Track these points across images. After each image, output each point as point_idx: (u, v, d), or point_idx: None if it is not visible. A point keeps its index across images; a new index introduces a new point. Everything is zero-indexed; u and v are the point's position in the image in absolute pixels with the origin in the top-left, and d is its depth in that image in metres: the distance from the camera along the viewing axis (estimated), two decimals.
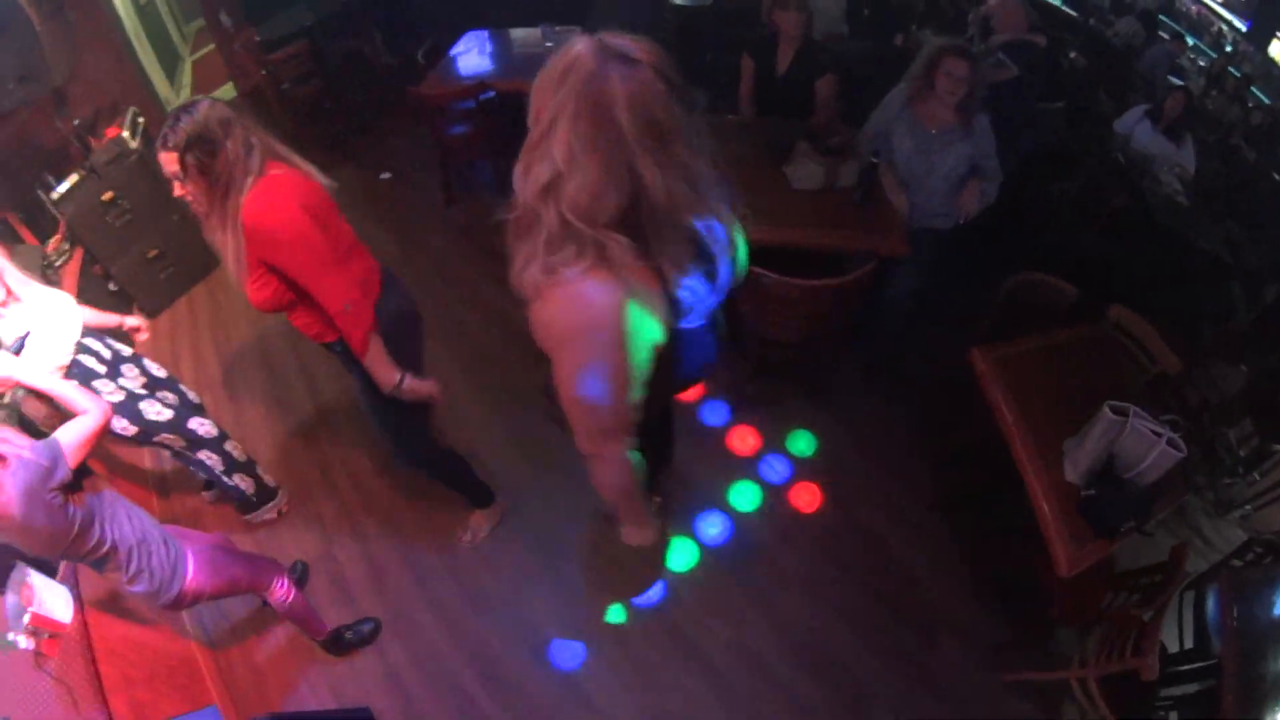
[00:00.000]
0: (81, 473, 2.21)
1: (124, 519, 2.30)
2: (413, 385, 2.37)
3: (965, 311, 3.40)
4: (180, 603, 2.45)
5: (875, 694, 2.82)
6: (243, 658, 3.24)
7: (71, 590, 2.85)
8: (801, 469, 3.46)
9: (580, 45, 1.21)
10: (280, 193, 2.00)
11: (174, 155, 1.97)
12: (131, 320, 3.04)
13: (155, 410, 2.97)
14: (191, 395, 3.20)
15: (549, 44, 4.68)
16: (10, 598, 2.77)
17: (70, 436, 2.10)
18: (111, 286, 4.42)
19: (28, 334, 2.46)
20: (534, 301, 1.34)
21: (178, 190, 2.07)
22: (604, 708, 2.88)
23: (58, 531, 2.04)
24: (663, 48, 1.24)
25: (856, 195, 3.27)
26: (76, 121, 4.05)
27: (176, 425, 3.05)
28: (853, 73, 4.11)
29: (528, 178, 1.27)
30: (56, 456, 2.03)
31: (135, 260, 4.48)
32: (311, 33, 5.81)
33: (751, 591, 3.11)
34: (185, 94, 6.33)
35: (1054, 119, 4.17)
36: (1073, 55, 4.74)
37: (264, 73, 5.43)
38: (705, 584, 3.15)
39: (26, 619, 2.73)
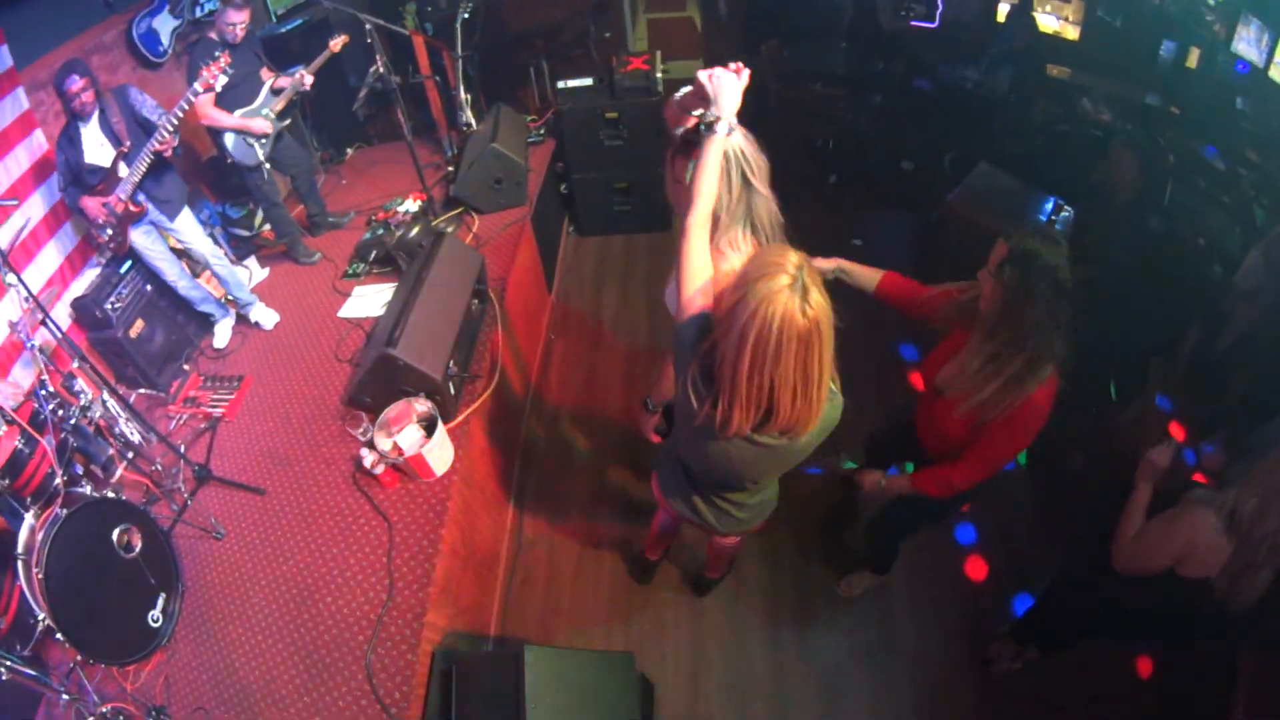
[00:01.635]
0: None
1: None
2: None
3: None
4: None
5: None
6: (547, 591, 3.32)
7: (458, 450, 2.83)
8: None
9: None
10: (1050, 404, 2.09)
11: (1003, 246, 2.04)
12: None
13: None
14: None
15: (1059, 227, 4.50)
16: (386, 415, 2.78)
17: None
18: (563, 188, 4.53)
19: None
20: None
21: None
22: None
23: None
24: None
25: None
26: (608, 34, 4.20)
27: None
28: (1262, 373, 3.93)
29: None
30: None
31: (598, 180, 4.59)
32: (849, 83, 5.71)
33: None
34: (641, 44, 6.65)
35: None
36: None
37: (782, 88, 5.45)
38: None
39: (391, 444, 2.73)
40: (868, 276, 2.45)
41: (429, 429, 2.76)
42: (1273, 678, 2.75)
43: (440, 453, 2.73)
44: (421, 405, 2.79)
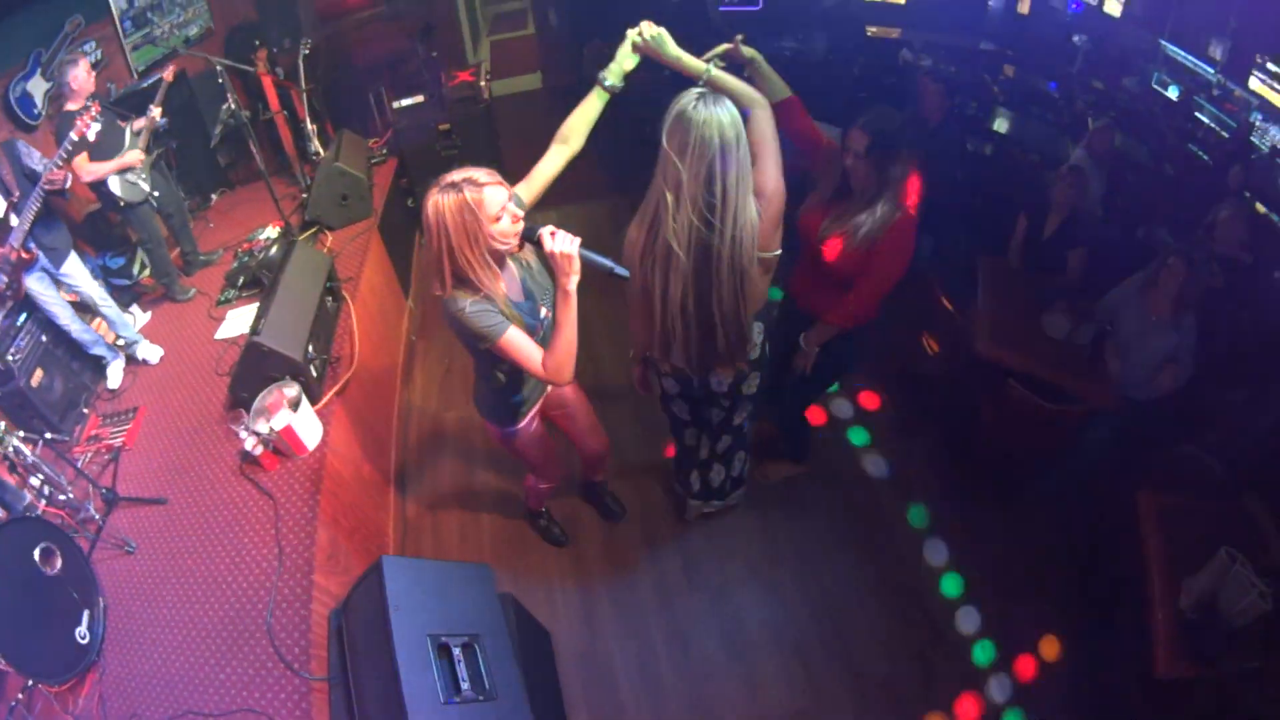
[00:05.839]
0: None
1: None
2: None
3: (1137, 464, 3.69)
4: (506, 440, 2.81)
5: None
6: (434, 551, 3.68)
7: (325, 427, 3.20)
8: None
9: None
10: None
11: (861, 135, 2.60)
12: None
13: None
14: None
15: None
16: (261, 402, 3.14)
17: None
18: (409, 202, 4.93)
19: None
20: None
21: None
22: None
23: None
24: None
25: (1086, 351, 3.81)
26: (434, 54, 4.62)
27: None
28: (1101, 251, 4.42)
29: None
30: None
31: None
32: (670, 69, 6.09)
33: None
34: (485, 67, 7.12)
35: (1244, 329, 4.27)
36: (1277, 275, 4.85)
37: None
38: None
39: (268, 427, 3.09)
40: (778, 85, 2.69)
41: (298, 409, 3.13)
42: (1167, 509, 3.14)
43: (307, 425, 3.10)
44: (290, 390, 3.15)
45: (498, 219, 2.07)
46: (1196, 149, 5.16)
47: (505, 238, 2.10)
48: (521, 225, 2.13)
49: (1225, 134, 5.02)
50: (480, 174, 2.08)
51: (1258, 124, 4.82)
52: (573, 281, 2.07)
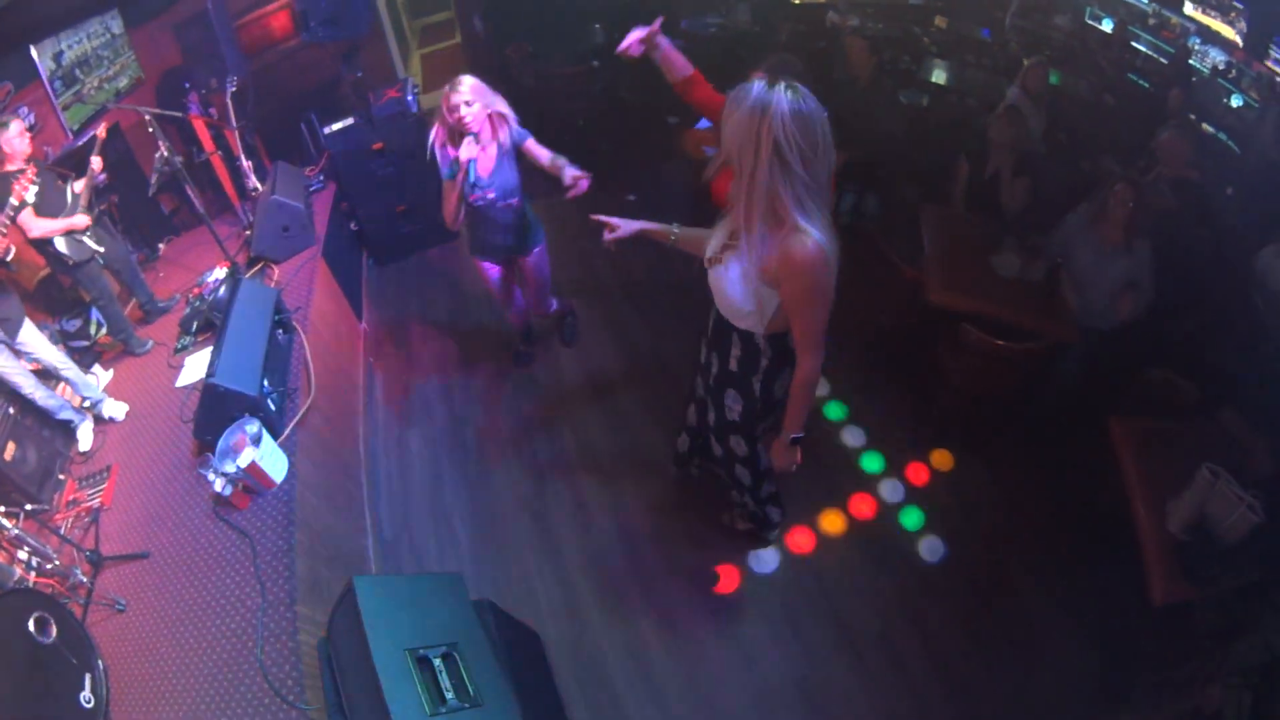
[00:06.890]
0: None
1: None
2: None
3: (1108, 394, 3.73)
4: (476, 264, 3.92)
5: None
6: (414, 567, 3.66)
7: (291, 459, 3.20)
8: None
9: None
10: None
11: None
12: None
13: None
14: None
15: None
16: (226, 441, 3.12)
17: None
18: (352, 225, 4.93)
19: None
20: None
21: None
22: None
23: None
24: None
25: (1041, 287, 3.79)
26: (360, 74, 4.61)
27: None
28: (1045, 187, 4.46)
29: None
30: None
31: (382, 209, 5.02)
32: (598, 56, 6.16)
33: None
34: (413, 81, 7.09)
35: (1203, 247, 4.31)
36: (1229, 191, 4.90)
37: (530, 82, 5.96)
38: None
39: (235, 467, 3.07)
40: (679, 65, 2.96)
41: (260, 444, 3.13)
42: (1141, 433, 3.19)
43: (273, 459, 3.10)
44: (251, 426, 3.15)
45: (454, 110, 3.20)
46: (1136, 78, 5.24)
47: (458, 124, 3.24)
48: (468, 121, 3.23)
49: (1164, 60, 5.11)
50: (463, 81, 3.23)
51: (1195, 48, 4.90)
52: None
